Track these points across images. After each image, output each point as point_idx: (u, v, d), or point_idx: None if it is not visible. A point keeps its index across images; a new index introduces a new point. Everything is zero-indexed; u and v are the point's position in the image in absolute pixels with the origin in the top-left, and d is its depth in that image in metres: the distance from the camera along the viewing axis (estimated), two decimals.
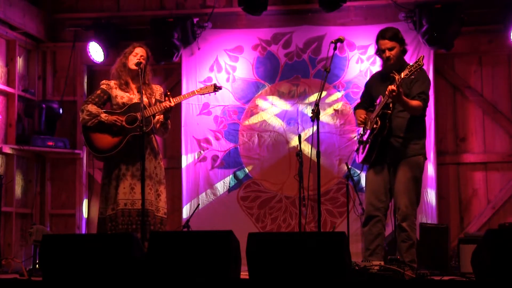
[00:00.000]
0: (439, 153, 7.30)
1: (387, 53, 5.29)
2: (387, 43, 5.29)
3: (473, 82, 7.42)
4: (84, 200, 7.76)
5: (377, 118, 5.22)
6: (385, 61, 5.36)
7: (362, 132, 5.45)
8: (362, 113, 5.50)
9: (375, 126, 5.22)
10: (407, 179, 5.20)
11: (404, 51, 5.38)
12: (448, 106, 7.45)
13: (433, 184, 7.15)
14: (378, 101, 5.34)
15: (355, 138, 5.56)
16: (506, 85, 7.38)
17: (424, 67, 7.10)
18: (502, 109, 7.34)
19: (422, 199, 7.11)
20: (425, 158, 5.36)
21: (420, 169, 5.28)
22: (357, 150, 5.53)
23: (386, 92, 5.04)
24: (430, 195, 7.13)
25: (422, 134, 5.33)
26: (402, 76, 5.02)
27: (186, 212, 7.42)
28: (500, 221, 6.89)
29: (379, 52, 5.38)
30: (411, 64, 5.05)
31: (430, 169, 7.15)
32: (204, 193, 7.47)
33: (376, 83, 5.51)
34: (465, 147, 7.42)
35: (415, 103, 5.17)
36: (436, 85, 7.25)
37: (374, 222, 5.31)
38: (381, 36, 5.34)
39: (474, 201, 7.33)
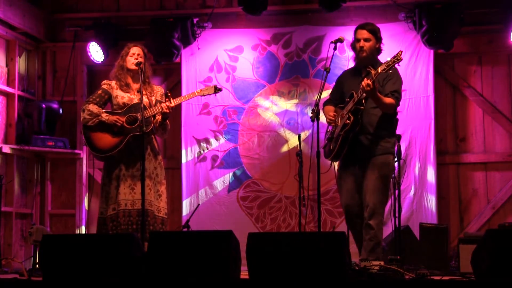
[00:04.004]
0: (439, 153, 7.29)
1: (362, 43, 5.29)
2: (364, 33, 5.31)
3: (473, 82, 7.42)
4: (84, 200, 7.76)
5: (350, 114, 5.19)
6: (358, 53, 5.34)
7: (331, 129, 5.43)
8: (331, 110, 5.49)
9: (347, 121, 5.19)
10: (376, 177, 5.20)
11: (379, 50, 5.38)
12: (448, 106, 7.45)
13: (433, 184, 7.14)
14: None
15: (327, 136, 5.53)
16: (506, 85, 7.38)
17: (424, 67, 7.23)
18: (502, 109, 7.34)
19: (421, 199, 7.12)
20: (394, 157, 5.35)
21: (389, 167, 5.28)
22: (325, 147, 5.51)
23: (361, 86, 5.02)
24: (430, 195, 7.12)
25: (393, 133, 5.35)
26: (379, 71, 5.01)
27: (186, 212, 7.42)
28: (500, 221, 6.88)
29: (354, 43, 5.37)
30: (388, 59, 5.03)
31: (430, 169, 7.15)
32: (204, 193, 7.47)
33: (347, 78, 5.51)
34: (465, 147, 7.41)
35: (388, 100, 5.18)
36: (436, 85, 7.25)
37: (355, 218, 5.33)
38: (360, 27, 5.37)
39: (474, 201, 7.32)
